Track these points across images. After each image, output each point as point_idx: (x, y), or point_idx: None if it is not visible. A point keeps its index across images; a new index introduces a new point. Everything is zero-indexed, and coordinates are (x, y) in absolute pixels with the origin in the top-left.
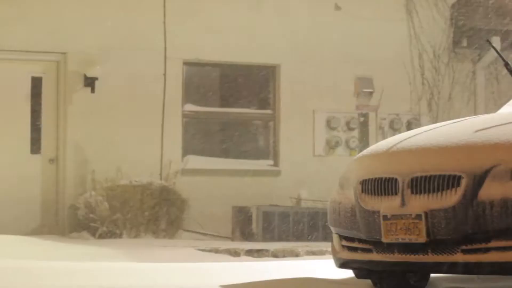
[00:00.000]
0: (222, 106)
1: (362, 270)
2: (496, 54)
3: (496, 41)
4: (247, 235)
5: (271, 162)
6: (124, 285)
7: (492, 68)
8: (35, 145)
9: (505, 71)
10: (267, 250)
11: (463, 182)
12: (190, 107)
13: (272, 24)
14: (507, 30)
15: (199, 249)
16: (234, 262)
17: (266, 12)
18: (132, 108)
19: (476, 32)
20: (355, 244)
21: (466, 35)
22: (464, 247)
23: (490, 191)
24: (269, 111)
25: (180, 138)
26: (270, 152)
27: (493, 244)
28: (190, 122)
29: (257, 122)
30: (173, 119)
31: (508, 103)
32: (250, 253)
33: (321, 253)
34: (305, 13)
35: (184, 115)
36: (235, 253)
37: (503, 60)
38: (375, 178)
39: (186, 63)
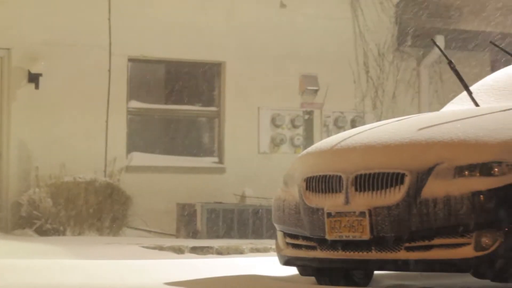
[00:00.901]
0: (167, 103)
1: (306, 268)
2: (440, 53)
3: (440, 40)
4: (191, 233)
5: (215, 159)
6: (68, 282)
7: (436, 66)
8: None
9: (449, 69)
10: (211, 247)
11: (407, 180)
12: (135, 104)
13: (217, 21)
14: (451, 29)
15: (143, 246)
16: (179, 259)
17: (212, 9)
18: (77, 105)
19: (421, 30)
20: (299, 242)
21: (410, 33)
22: (407, 244)
23: (433, 188)
24: (214, 108)
25: (125, 134)
26: (215, 149)
27: (436, 241)
28: (135, 119)
29: (202, 119)
30: (118, 115)
31: (451, 102)
32: (194, 250)
33: (265, 250)
34: (251, 11)
35: (129, 112)
36: (179, 250)
37: (447, 58)
38: (319, 176)
39: (131, 60)
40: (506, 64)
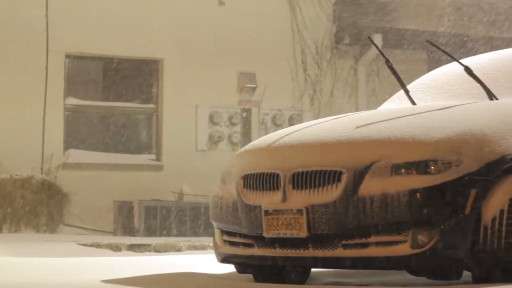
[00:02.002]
0: (104, 100)
1: (243, 265)
2: (377, 51)
3: (377, 39)
4: (129, 230)
5: (153, 156)
6: (4, 280)
7: (373, 65)
8: None
9: (386, 68)
10: (149, 245)
11: (344, 178)
12: (72, 101)
13: (156, 18)
14: (389, 28)
15: (80, 244)
16: (116, 257)
17: (150, 6)
18: (13, 101)
19: (358, 29)
20: (237, 239)
21: (348, 32)
22: (344, 242)
23: (370, 186)
24: (152, 106)
25: (62, 131)
26: (153, 146)
27: (372, 239)
28: (72, 116)
29: (140, 116)
30: (55, 112)
31: (388, 100)
32: (132, 248)
33: (203, 248)
34: (189, 8)
35: (66, 109)
36: (116, 248)
37: (384, 57)
38: (257, 173)
39: (68, 56)
40: (442, 63)
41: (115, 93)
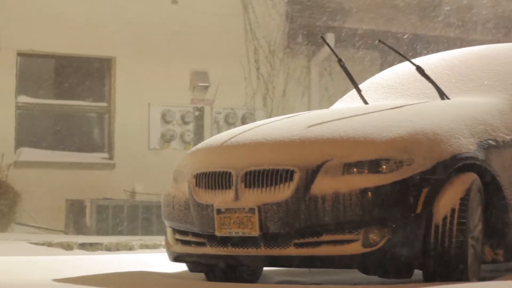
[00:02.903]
0: (57, 98)
1: (195, 264)
2: (330, 51)
3: (330, 38)
4: (80, 229)
5: (105, 155)
6: None
7: (326, 64)
8: None
9: (338, 67)
10: (100, 244)
11: (296, 177)
12: (23, 99)
13: (108, 16)
14: (342, 27)
15: (31, 243)
16: (67, 256)
17: (102, 4)
18: None
19: (311, 28)
20: (189, 238)
21: (301, 31)
22: (296, 241)
23: (322, 185)
24: (104, 104)
25: (13, 130)
26: (105, 145)
27: (324, 238)
28: (24, 114)
29: (92, 114)
30: (6, 110)
31: (341, 99)
32: (83, 246)
33: (155, 246)
34: (142, 6)
35: (18, 107)
36: (68, 247)
37: (337, 56)
38: (209, 172)
39: (20, 54)
40: (395, 62)
41: (67, 91)
